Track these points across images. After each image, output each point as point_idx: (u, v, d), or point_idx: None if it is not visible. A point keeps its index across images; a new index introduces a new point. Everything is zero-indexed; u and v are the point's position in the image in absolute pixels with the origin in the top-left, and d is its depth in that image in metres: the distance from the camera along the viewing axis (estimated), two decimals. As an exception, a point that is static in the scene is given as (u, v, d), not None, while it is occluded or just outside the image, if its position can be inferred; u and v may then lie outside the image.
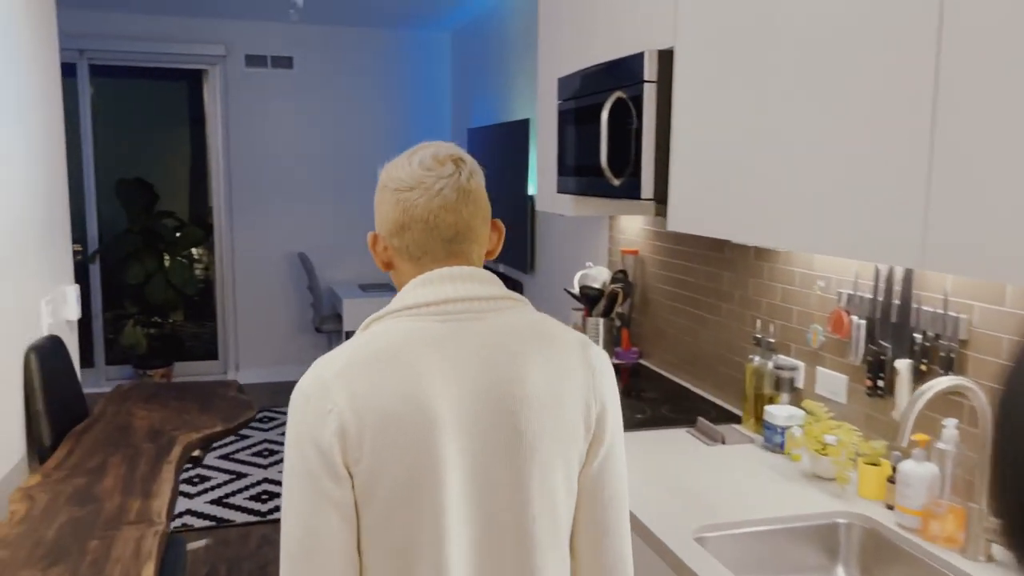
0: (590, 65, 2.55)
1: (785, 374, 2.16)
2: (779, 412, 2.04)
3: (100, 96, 5.92)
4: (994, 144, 1.19)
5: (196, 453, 2.49)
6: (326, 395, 0.95)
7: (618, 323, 3.15)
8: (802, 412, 2.02)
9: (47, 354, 2.56)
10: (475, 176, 1.06)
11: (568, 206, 2.93)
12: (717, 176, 1.92)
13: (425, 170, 1.04)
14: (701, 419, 2.21)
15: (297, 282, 6.33)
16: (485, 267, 5.55)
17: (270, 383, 6.29)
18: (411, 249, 1.05)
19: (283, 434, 5.12)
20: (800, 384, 2.15)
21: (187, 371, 6.29)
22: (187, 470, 4.39)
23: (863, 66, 1.44)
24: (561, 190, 2.77)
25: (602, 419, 1.06)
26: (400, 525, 0.94)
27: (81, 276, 6.01)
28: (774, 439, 2.04)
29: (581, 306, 3.34)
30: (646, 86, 2.14)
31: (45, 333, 2.70)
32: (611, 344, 3.06)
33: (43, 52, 2.98)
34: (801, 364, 2.14)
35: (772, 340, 2.19)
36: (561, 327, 1.09)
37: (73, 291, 2.98)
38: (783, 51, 1.66)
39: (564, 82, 2.72)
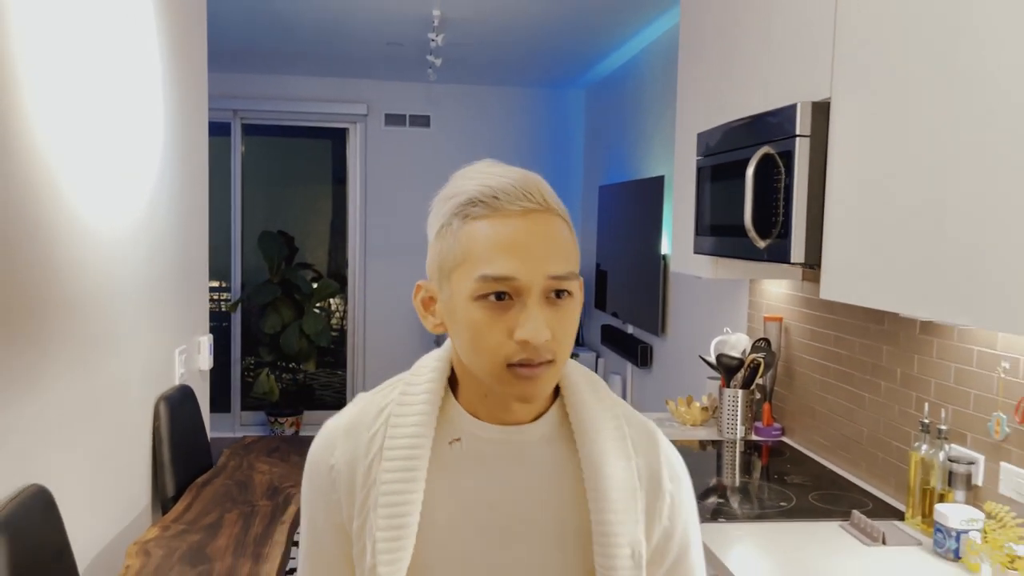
0: (734, 119, 2.40)
1: (960, 468, 1.88)
2: (953, 512, 1.76)
3: (250, 153, 6.23)
4: None
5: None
6: None
7: (758, 396, 2.90)
8: (982, 514, 1.74)
9: (177, 404, 2.60)
10: None
11: (705, 268, 2.74)
12: (882, 241, 1.70)
13: None
14: (856, 512, 1.95)
15: (425, 335, 6.36)
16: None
17: (394, 436, 6.30)
18: None
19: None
20: (979, 480, 1.86)
21: (316, 420, 6.39)
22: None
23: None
24: (698, 251, 2.59)
25: None
26: None
27: (224, 323, 6.26)
28: (947, 543, 1.76)
29: (717, 375, 3.12)
30: (798, 140, 1.95)
31: (177, 383, 2.76)
32: (750, 419, 2.82)
33: (193, 114, 3.11)
34: (980, 457, 1.86)
35: (943, 427, 1.91)
36: None
37: (207, 341, 3.04)
38: (966, 106, 1.45)
39: (704, 137, 2.56)
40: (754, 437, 2.83)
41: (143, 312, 2.49)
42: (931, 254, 1.54)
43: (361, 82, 6.13)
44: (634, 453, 0.90)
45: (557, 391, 0.93)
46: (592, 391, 0.92)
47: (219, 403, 6.22)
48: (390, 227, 6.26)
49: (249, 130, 6.20)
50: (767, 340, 2.85)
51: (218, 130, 6.14)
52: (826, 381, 2.57)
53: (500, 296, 0.80)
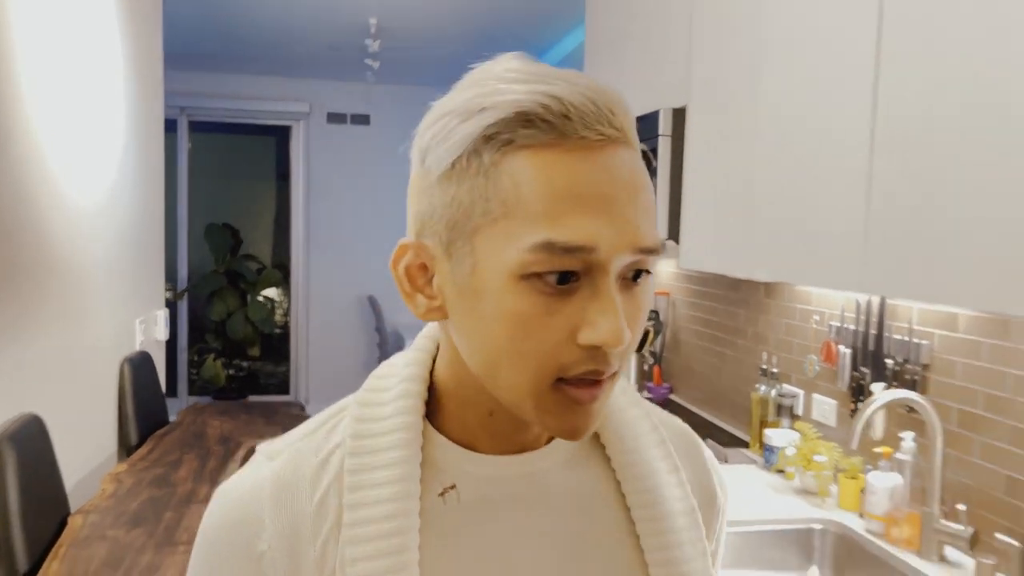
0: (620, 122, 2.85)
1: (786, 401, 2.35)
2: (776, 435, 2.23)
3: (196, 149, 6.51)
4: (910, 199, 1.42)
5: (259, 457, 2.82)
6: None
7: (650, 360, 3.36)
8: (798, 434, 2.21)
9: (138, 366, 2.95)
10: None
11: (602, 249, 3.20)
12: (718, 219, 2.17)
13: None
14: (709, 440, 2.41)
15: (366, 324, 6.72)
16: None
17: (336, 418, 6.63)
18: None
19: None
20: (800, 410, 2.34)
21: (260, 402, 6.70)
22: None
23: (817, 130, 1.69)
24: (595, 234, 3.04)
25: None
26: None
27: (170, 312, 6.53)
28: (771, 459, 2.23)
29: (617, 344, 3.57)
30: (661, 139, 2.41)
31: (138, 349, 3.10)
32: (642, 380, 3.27)
33: (148, 112, 3.45)
34: (800, 392, 2.34)
35: (776, 371, 2.39)
36: None
37: (163, 314, 3.39)
38: (765, 115, 1.92)
39: (599, 137, 3.01)
40: (645, 395, 3.29)
41: (110, 282, 2.84)
42: (746, 228, 2.01)
43: (304, 81, 6.47)
44: (680, 464, 0.68)
45: None
46: (620, 389, 0.69)
47: (166, 389, 6.48)
48: (332, 221, 6.60)
49: (196, 127, 6.49)
50: (656, 312, 3.32)
51: (165, 126, 6.40)
52: (702, 344, 3.04)
53: (565, 277, 0.52)
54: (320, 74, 6.23)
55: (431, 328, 0.66)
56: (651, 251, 0.54)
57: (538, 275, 0.52)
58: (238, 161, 6.77)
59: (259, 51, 5.43)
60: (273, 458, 0.62)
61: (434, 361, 0.64)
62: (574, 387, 0.54)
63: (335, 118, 6.53)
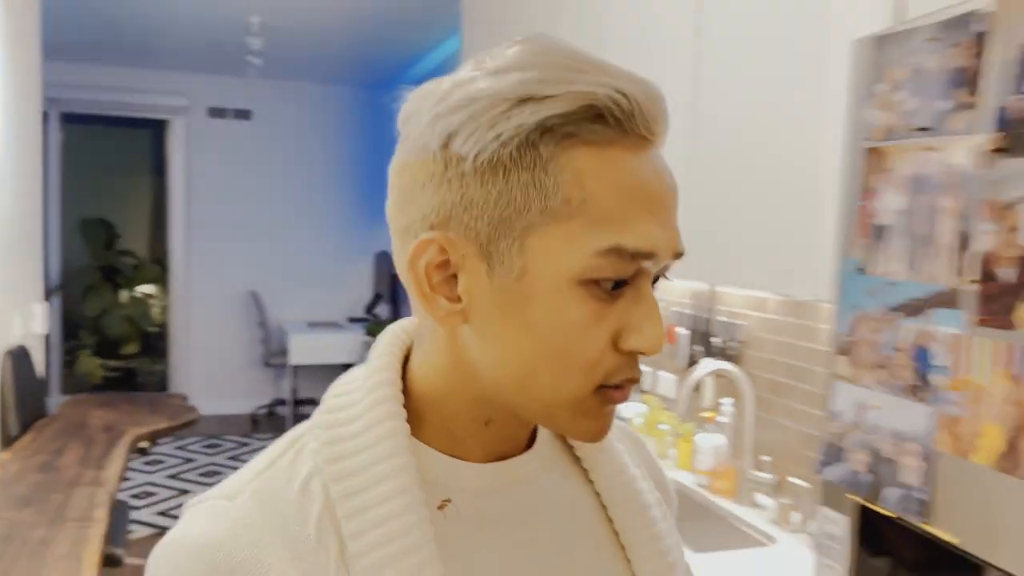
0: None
1: (636, 379, 2.64)
2: (625, 407, 2.52)
3: (69, 142, 6.35)
4: (720, 200, 1.71)
5: (144, 444, 2.89)
6: None
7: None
8: (646, 406, 2.51)
9: (18, 359, 2.97)
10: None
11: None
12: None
13: None
14: (569, 416, 2.68)
15: (248, 320, 6.71)
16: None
17: (219, 415, 6.59)
18: None
19: (230, 459, 5.46)
20: (648, 386, 2.63)
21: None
22: (133, 483, 4.73)
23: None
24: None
25: None
26: None
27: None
28: (622, 429, 2.52)
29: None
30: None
31: (16, 343, 3.11)
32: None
33: (25, 103, 3.44)
34: (649, 370, 2.63)
35: (628, 352, 2.68)
36: None
37: (41, 308, 3.39)
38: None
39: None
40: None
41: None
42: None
43: (183, 75, 6.40)
44: (638, 459, 0.69)
45: None
46: None
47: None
48: (214, 215, 6.56)
49: (69, 119, 6.33)
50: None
51: (35, 117, 6.21)
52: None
53: (620, 283, 0.50)
54: (200, 68, 6.19)
55: (395, 335, 0.60)
56: (681, 256, 0.53)
57: (595, 281, 0.50)
58: (113, 155, 6.64)
59: (135, 42, 5.37)
60: (233, 497, 0.53)
61: (404, 369, 0.59)
62: (615, 390, 0.53)
63: (216, 112, 6.50)
